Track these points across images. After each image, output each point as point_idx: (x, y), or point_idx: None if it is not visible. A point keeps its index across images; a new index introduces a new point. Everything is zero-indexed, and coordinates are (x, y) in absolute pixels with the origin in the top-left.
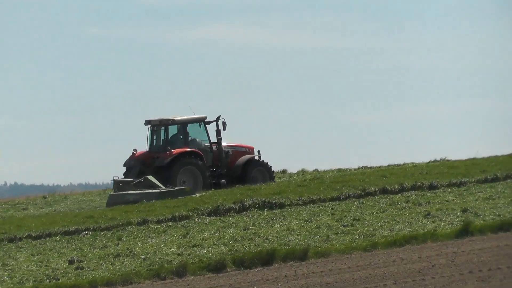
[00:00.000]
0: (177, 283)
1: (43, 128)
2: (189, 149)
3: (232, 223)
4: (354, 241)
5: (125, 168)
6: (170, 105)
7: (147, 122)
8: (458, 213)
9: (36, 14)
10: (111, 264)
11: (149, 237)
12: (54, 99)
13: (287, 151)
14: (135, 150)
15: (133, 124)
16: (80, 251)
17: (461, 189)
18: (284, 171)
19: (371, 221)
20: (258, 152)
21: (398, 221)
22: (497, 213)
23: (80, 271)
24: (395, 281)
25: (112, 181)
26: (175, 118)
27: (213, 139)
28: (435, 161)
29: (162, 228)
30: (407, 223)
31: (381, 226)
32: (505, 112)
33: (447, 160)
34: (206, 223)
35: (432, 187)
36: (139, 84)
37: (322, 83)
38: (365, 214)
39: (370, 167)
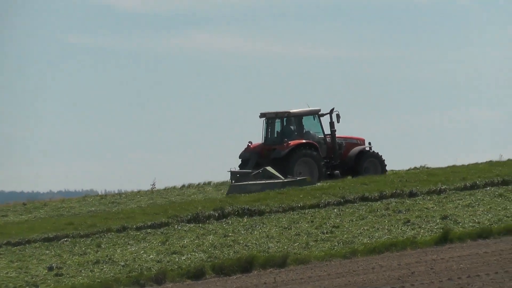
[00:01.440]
0: None
1: (27, 135)
2: (305, 141)
3: (212, 230)
4: (334, 248)
5: (241, 160)
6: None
7: (262, 115)
8: (438, 221)
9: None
10: (90, 271)
11: (128, 244)
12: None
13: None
14: (250, 142)
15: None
16: (59, 258)
17: (441, 197)
18: None
19: (350, 228)
20: (369, 143)
21: (378, 228)
22: (476, 221)
23: (60, 277)
24: None
25: (229, 172)
26: (291, 111)
27: (326, 131)
28: (415, 168)
29: (142, 235)
30: (386, 230)
31: (360, 233)
32: (485, 120)
33: (427, 168)
34: (185, 230)
35: (411, 195)
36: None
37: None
38: (345, 222)
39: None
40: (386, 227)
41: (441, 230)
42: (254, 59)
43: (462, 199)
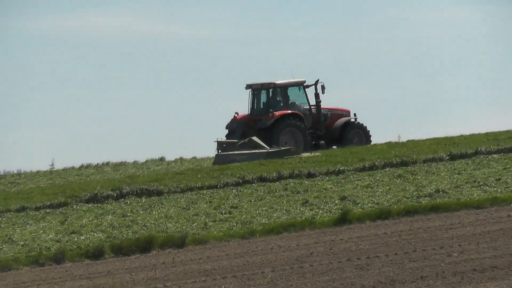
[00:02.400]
0: (55, 270)
1: None
2: (290, 111)
3: (110, 210)
4: (232, 229)
5: (227, 130)
6: None
7: (248, 86)
8: (337, 201)
9: None
10: None
11: (27, 224)
12: None
13: (165, 140)
14: (236, 113)
15: None
16: None
17: (340, 177)
18: (162, 159)
19: (249, 209)
20: (354, 114)
21: (276, 209)
22: (375, 201)
23: None
24: (273, 268)
25: (216, 142)
26: (276, 82)
27: (312, 102)
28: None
29: (41, 215)
30: (285, 211)
31: (259, 214)
32: (382, 101)
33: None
34: (84, 210)
35: (310, 175)
36: None
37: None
38: (243, 202)
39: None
40: (284, 207)
41: (340, 211)
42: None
43: (361, 180)
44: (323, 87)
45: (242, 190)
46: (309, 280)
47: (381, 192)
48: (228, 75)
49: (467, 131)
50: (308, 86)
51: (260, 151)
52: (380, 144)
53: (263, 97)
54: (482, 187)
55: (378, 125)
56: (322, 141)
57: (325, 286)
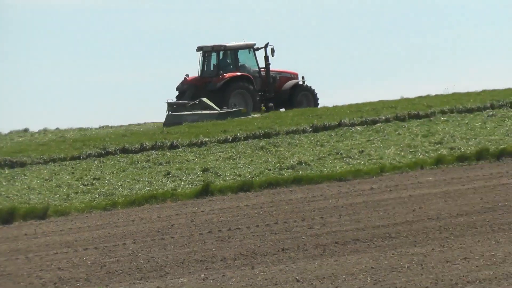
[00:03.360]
0: None
1: None
2: (240, 74)
3: None
4: (94, 200)
5: (178, 92)
6: None
7: (199, 49)
8: (199, 173)
9: None
10: None
11: None
12: None
13: (29, 110)
14: (187, 75)
15: None
16: None
17: (202, 149)
18: (25, 130)
19: (111, 180)
20: (303, 77)
21: (138, 181)
22: (237, 173)
23: None
24: (134, 240)
25: (166, 103)
26: (227, 44)
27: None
28: None
29: None
30: (147, 183)
31: (121, 185)
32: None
33: None
34: None
35: (172, 147)
36: None
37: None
38: (105, 174)
39: (111, 126)
40: (146, 179)
41: (202, 183)
42: None
43: (223, 152)
44: (272, 50)
45: (104, 161)
46: (170, 252)
47: (243, 164)
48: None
49: (330, 103)
50: (258, 49)
51: (212, 111)
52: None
53: (213, 59)
54: (345, 159)
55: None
56: (271, 104)
57: (186, 258)
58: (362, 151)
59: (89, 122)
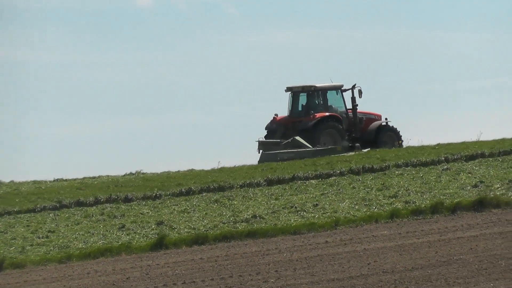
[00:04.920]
0: None
1: None
2: (330, 114)
3: None
4: (49, 253)
5: (267, 131)
6: None
7: (289, 89)
8: (153, 226)
9: None
10: None
11: None
12: None
13: None
14: (276, 114)
15: None
16: None
17: (157, 202)
18: None
19: (66, 233)
20: (386, 119)
21: (93, 234)
22: (192, 227)
23: None
24: None
25: (257, 142)
26: (317, 85)
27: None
28: (130, 174)
29: None
30: (102, 236)
31: (76, 238)
32: (202, 125)
33: (143, 173)
34: None
35: (127, 200)
36: None
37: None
38: (60, 226)
39: (66, 180)
40: (101, 232)
41: (156, 236)
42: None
43: (177, 205)
44: (360, 92)
45: (59, 214)
46: None
47: (198, 217)
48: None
49: None
50: (345, 90)
51: (308, 149)
52: (198, 170)
53: (302, 100)
54: (299, 212)
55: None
56: (358, 144)
57: None
58: (317, 204)
59: (43, 175)
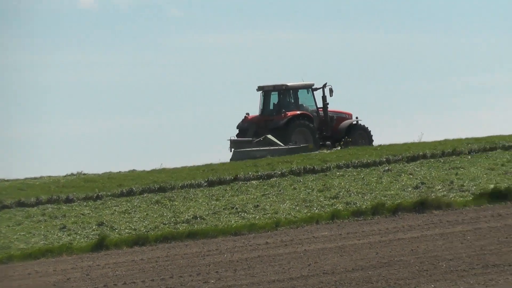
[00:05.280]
0: None
1: None
2: (301, 112)
3: None
4: None
5: (238, 130)
6: None
7: (260, 88)
8: (94, 227)
9: None
10: None
11: None
12: None
13: None
14: (247, 113)
15: None
16: None
17: (98, 203)
18: None
19: (7, 234)
20: (356, 117)
21: (34, 234)
22: (133, 227)
23: None
24: None
25: (229, 140)
26: (288, 84)
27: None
28: (71, 174)
29: None
30: (43, 236)
31: (17, 238)
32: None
33: (84, 174)
34: None
35: (68, 201)
36: None
37: None
38: (1, 227)
39: (7, 180)
40: (42, 232)
41: (97, 237)
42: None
43: (118, 206)
44: (331, 90)
45: (0, 215)
46: None
47: (139, 218)
48: None
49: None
50: (316, 89)
51: (280, 147)
52: (140, 171)
53: (274, 99)
54: (240, 213)
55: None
56: (328, 142)
57: None
58: (258, 205)
59: None
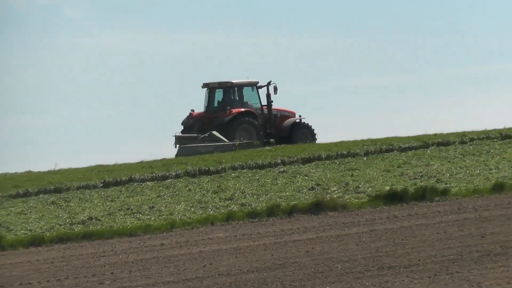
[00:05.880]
0: None
1: None
2: (246, 109)
3: None
4: None
5: (183, 126)
6: None
7: (205, 85)
8: None
9: None
10: None
11: None
12: None
13: None
14: (192, 110)
15: None
16: None
17: None
18: None
19: None
20: (300, 116)
21: None
22: (29, 228)
23: None
24: None
25: (174, 137)
26: (233, 81)
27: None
28: None
29: None
30: None
31: None
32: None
33: None
34: None
35: None
36: None
37: None
38: None
39: None
40: None
41: None
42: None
43: (14, 206)
44: (275, 88)
45: None
46: None
47: (35, 218)
48: None
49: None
50: (261, 87)
51: (226, 143)
52: (37, 172)
53: (218, 96)
54: (135, 214)
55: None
56: (272, 140)
57: None
58: (153, 206)
59: None
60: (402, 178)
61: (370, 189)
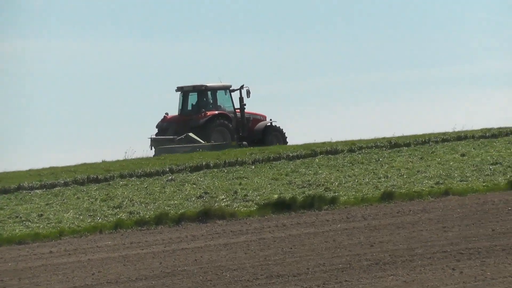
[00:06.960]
0: None
1: None
2: (220, 112)
3: None
4: None
5: (157, 129)
6: None
7: (179, 89)
8: None
9: None
10: None
11: None
12: None
13: None
14: (166, 113)
15: None
16: None
17: None
18: None
19: None
20: (271, 119)
21: None
22: None
23: None
24: None
25: (149, 139)
26: (207, 85)
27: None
28: None
29: None
30: None
31: None
32: None
33: None
34: None
35: None
36: None
37: None
38: None
39: None
40: None
41: None
42: None
43: None
44: (248, 92)
45: None
46: None
47: None
48: None
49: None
50: (234, 90)
51: (206, 143)
52: None
53: (192, 99)
54: (24, 222)
55: None
56: (245, 142)
57: None
58: (42, 214)
59: None
60: (291, 186)
61: (258, 197)
